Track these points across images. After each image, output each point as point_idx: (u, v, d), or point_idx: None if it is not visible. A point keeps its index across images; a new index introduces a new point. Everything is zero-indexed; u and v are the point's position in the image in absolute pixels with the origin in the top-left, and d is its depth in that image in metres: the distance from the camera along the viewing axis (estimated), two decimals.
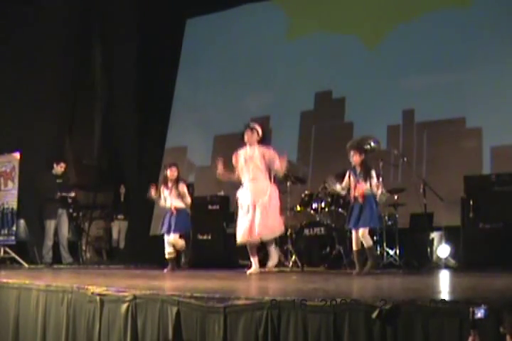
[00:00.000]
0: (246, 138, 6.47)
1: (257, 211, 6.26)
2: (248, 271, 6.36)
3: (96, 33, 12.06)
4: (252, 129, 6.47)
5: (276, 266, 7.24)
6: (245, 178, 6.43)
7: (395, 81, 9.35)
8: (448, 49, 8.96)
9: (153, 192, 7.42)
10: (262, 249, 6.83)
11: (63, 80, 11.17)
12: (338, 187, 6.32)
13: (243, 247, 6.53)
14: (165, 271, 7.16)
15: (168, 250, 7.27)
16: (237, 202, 6.58)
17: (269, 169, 6.42)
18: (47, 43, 10.67)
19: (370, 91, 9.39)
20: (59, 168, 9.41)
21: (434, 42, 9.09)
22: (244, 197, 6.42)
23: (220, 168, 6.53)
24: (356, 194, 6.12)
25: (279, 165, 6.33)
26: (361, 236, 5.99)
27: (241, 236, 6.35)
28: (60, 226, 9.21)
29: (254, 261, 6.43)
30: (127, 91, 12.00)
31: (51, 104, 10.89)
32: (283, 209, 6.69)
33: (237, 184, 6.64)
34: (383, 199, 6.55)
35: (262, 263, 6.59)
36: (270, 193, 6.35)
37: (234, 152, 6.60)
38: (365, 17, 9.87)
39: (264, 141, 6.56)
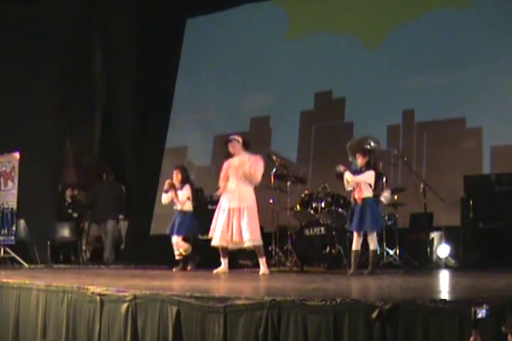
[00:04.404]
0: (231, 150, 6.64)
1: (241, 217, 6.35)
2: (215, 270, 6.49)
3: (96, 33, 12.06)
4: (232, 140, 6.65)
5: (276, 266, 7.28)
6: (232, 185, 6.52)
7: (395, 81, 9.35)
8: (448, 49, 8.96)
9: (166, 185, 7.50)
10: (254, 257, 6.91)
11: (63, 80, 11.17)
12: (346, 177, 6.25)
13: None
14: (174, 270, 7.22)
15: (176, 252, 7.36)
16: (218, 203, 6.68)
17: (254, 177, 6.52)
18: (47, 43, 10.67)
19: (370, 91, 9.39)
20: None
21: (434, 43, 9.09)
22: (227, 200, 6.49)
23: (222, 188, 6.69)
24: (356, 196, 6.12)
25: (251, 175, 6.44)
26: (369, 239, 6.03)
27: (219, 240, 6.43)
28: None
29: (224, 261, 6.59)
30: (127, 92, 12.00)
31: (51, 104, 10.90)
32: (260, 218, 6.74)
33: None
34: (387, 199, 6.54)
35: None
36: (253, 200, 6.47)
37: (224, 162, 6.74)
38: (366, 17, 9.86)
39: (247, 147, 6.68)
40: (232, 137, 6.72)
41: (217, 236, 6.44)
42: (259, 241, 6.41)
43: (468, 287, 4.13)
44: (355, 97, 9.59)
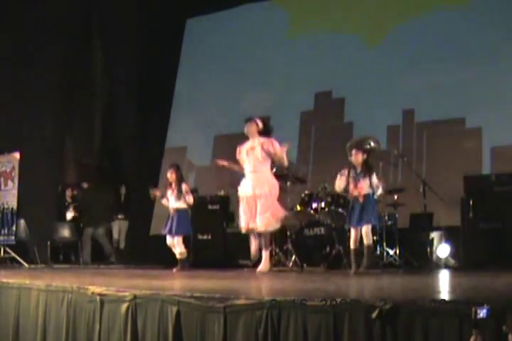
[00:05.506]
0: (246, 130, 6.53)
1: (258, 202, 6.27)
2: (257, 269, 6.33)
3: (96, 33, 12.06)
4: (252, 121, 6.52)
5: (276, 265, 7.26)
6: (247, 170, 6.47)
7: (395, 81, 9.35)
8: (448, 49, 8.96)
9: (157, 192, 7.52)
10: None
11: (63, 80, 11.17)
12: (336, 185, 6.37)
13: (243, 247, 6.53)
14: (174, 270, 7.19)
15: (178, 251, 7.33)
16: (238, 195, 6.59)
17: (271, 160, 6.45)
18: (47, 42, 10.67)
19: (370, 91, 9.39)
20: None
21: (434, 42, 9.10)
22: (244, 188, 6.43)
23: (220, 163, 6.75)
24: (356, 193, 6.16)
25: (278, 155, 6.36)
26: (364, 233, 6.03)
27: (245, 228, 6.36)
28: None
29: (263, 256, 6.38)
30: (127, 91, 12.00)
31: (51, 103, 10.90)
32: (282, 204, 6.65)
33: (237, 183, 6.67)
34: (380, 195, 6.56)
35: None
36: (270, 184, 6.37)
37: (237, 147, 6.66)
38: (366, 16, 9.87)
39: (265, 134, 6.55)
40: (253, 117, 6.59)
41: (243, 224, 6.36)
42: (265, 227, 6.28)
43: (468, 287, 4.13)
44: (355, 97, 9.60)
